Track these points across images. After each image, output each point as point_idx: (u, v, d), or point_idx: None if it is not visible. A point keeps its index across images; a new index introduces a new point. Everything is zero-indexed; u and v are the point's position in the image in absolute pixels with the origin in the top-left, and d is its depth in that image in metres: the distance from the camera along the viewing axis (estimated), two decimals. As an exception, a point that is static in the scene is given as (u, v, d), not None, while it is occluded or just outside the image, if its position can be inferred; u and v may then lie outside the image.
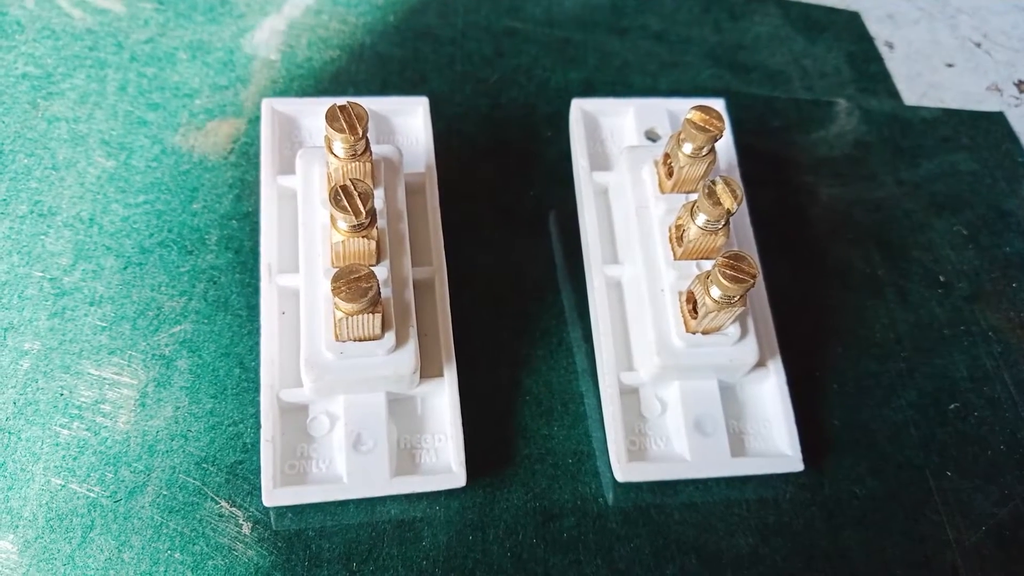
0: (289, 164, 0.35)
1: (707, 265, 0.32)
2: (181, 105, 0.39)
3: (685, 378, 0.33)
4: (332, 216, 0.29)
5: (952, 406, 0.36)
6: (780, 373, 0.34)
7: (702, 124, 0.31)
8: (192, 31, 0.41)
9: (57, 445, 0.31)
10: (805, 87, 0.45)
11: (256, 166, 0.37)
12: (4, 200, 0.35)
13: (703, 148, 0.32)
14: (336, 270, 0.28)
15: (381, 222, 0.31)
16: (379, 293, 0.28)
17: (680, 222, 0.32)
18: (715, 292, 0.29)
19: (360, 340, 0.29)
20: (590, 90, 0.42)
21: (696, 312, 0.31)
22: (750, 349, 0.32)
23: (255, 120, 0.39)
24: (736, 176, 0.38)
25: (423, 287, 0.34)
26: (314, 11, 0.43)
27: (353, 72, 0.41)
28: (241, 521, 0.30)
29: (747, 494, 0.33)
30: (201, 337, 0.34)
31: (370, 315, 0.28)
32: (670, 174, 0.33)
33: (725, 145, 0.38)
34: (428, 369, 0.32)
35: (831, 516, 0.33)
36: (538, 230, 0.38)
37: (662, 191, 0.34)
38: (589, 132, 0.38)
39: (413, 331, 0.30)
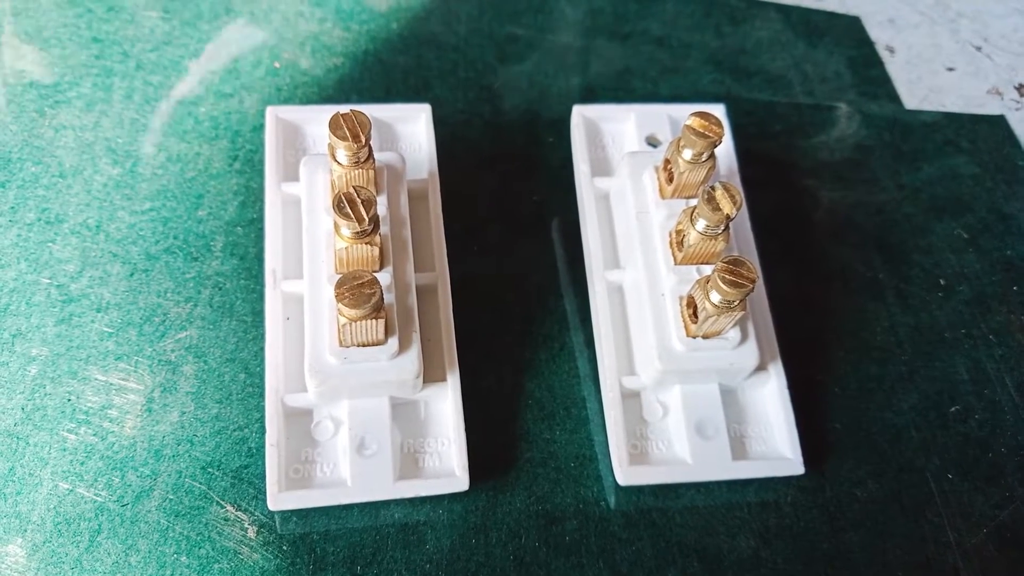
0: (293, 171, 0.35)
1: (707, 270, 0.32)
2: (186, 113, 0.39)
3: (686, 382, 0.33)
4: (336, 223, 0.29)
5: (953, 409, 0.36)
6: (781, 376, 0.34)
7: (701, 130, 0.31)
8: (197, 39, 0.41)
9: (64, 450, 0.31)
10: (806, 91, 0.45)
11: (260, 173, 0.38)
12: (12, 208, 0.36)
13: (702, 154, 0.32)
14: (340, 276, 0.28)
15: (384, 228, 0.31)
16: (382, 299, 0.28)
17: (680, 227, 0.32)
18: (715, 297, 0.30)
19: (364, 345, 0.30)
20: (591, 96, 0.43)
21: (696, 316, 0.31)
22: (751, 353, 0.32)
23: (259, 128, 0.39)
24: (737, 181, 0.38)
25: (426, 292, 0.34)
26: (318, 19, 0.43)
27: (356, 79, 0.41)
28: (246, 525, 0.31)
29: (748, 497, 0.33)
30: (207, 343, 0.34)
31: (373, 320, 0.28)
32: (670, 179, 0.33)
33: (726, 150, 0.38)
34: (431, 374, 0.33)
35: (832, 519, 0.33)
36: (540, 235, 0.38)
37: (662, 196, 0.34)
38: (590, 138, 0.39)
39: (416, 336, 0.30)
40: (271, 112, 0.37)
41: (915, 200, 0.42)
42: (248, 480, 0.31)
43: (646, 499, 0.33)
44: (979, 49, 0.49)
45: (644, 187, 0.34)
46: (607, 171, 0.38)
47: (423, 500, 0.32)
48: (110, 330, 0.34)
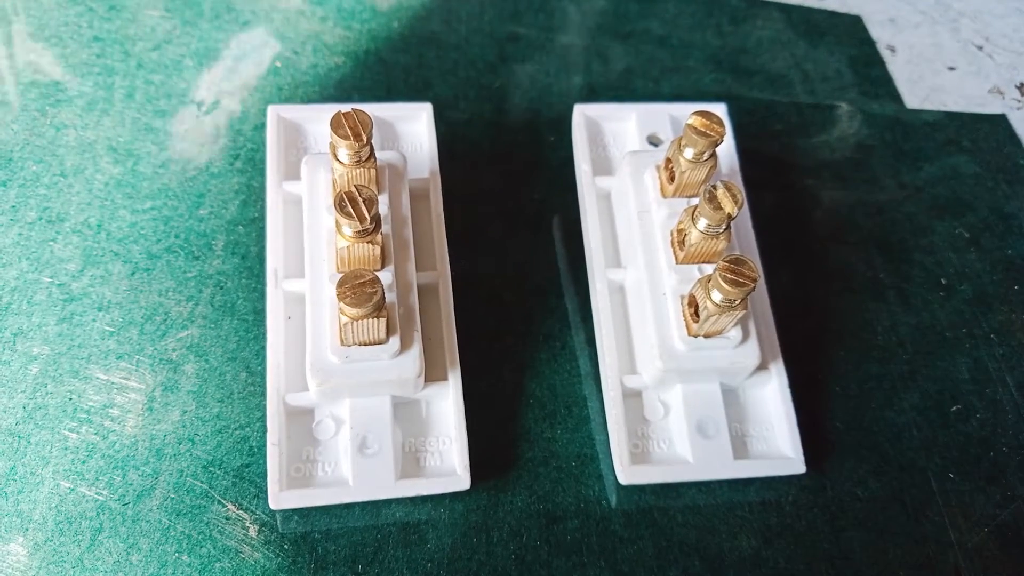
0: (295, 170, 0.35)
1: (709, 269, 0.32)
2: (188, 111, 0.39)
3: (687, 381, 0.33)
4: (337, 222, 0.29)
5: (954, 408, 0.36)
6: (782, 376, 0.34)
7: (703, 129, 0.31)
8: (198, 38, 0.41)
9: (66, 449, 0.31)
10: (807, 91, 0.45)
11: (262, 172, 0.38)
12: (13, 207, 0.36)
13: (704, 153, 0.32)
14: (341, 275, 0.28)
15: (386, 227, 0.31)
16: (384, 298, 0.28)
17: (682, 226, 0.32)
18: (716, 296, 0.30)
19: (365, 344, 0.30)
20: (593, 95, 0.43)
21: (698, 316, 0.31)
22: (752, 352, 0.32)
23: (260, 127, 0.39)
24: (738, 180, 0.38)
25: (427, 291, 0.34)
26: (319, 17, 0.43)
27: (358, 78, 0.41)
28: (248, 524, 0.31)
29: (749, 496, 0.33)
30: (208, 342, 0.34)
31: (375, 319, 0.28)
32: (672, 178, 0.33)
33: (727, 149, 0.38)
34: (432, 373, 0.33)
35: (833, 518, 0.33)
36: (541, 234, 0.38)
37: (664, 195, 0.34)
38: (592, 137, 0.39)
39: (417, 335, 0.31)
40: (272, 111, 0.37)
41: (916, 199, 0.42)
42: (249, 479, 0.31)
43: (647, 498, 0.33)
44: (980, 48, 0.49)
45: (645, 186, 0.34)
46: (608, 170, 0.38)
47: (424, 499, 0.32)
48: (111, 329, 0.34)
